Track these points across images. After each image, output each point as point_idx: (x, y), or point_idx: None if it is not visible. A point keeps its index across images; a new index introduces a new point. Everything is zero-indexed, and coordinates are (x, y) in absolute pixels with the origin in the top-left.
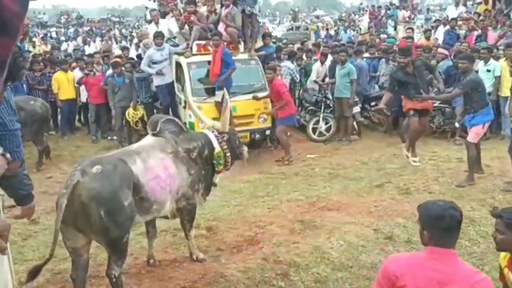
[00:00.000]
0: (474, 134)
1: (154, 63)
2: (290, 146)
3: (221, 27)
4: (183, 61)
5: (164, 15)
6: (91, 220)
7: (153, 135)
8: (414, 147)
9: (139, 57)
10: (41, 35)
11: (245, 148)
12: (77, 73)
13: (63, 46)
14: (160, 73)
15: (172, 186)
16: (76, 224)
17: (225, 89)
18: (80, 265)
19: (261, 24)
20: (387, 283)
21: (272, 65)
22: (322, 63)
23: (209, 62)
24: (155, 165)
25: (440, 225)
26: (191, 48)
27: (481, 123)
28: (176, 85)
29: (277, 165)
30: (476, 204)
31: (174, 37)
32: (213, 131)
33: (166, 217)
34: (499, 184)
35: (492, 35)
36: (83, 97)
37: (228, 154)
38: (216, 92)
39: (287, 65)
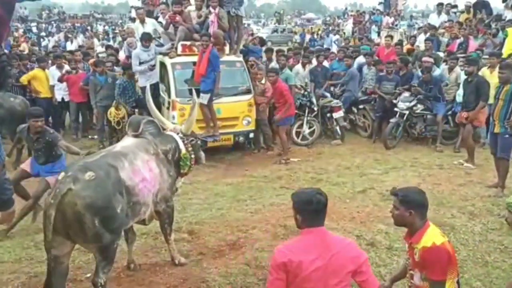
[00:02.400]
0: None
1: (141, 63)
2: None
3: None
4: (168, 61)
5: (149, 13)
6: (85, 228)
7: (135, 136)
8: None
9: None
10: (21, 30)
11: (203, 154)
12: (53, 71)
13: (44, 42)
14: (152, 68)
15: (155, 189)
16: (66, 233)
17: (193, 91)
18: (59, 272)
19: (245, 26)
20: (280, 272)
21: (274, 68)
22: (304, 66)
23: (194, 63)
24: (142, 167)
25: (310, 208)
26: (176, 49)
27: None
28: (160, 85)
29: (275, 163)
30: (456, 212)
31: (159, 37)
32: (178, 133)
33: (143, 222)
34: (479, 191)
35: (473, 44)
36: (59, 96)
37: (193, 156)
38: (201, 94)
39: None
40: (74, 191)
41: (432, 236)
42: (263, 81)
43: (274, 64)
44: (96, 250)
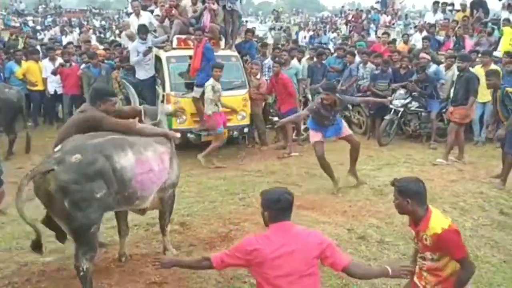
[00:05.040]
0: None
1: (145, 55)
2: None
3: (206, 20)
4: (163, 55)
5: (145, 7)
6: (56, 207)
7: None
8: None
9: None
10: (17, 23)
11: None
12: (45, 63)
13: (40, 36)
14: (146, 53)
15: (161, 181)
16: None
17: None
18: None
19: (244, 23)
20: (239, 256)
21: (279, 60)
22: (299, 60)
23: (189, 57)
24: (151, 157)
25: (277, 206)
26: (171, 42)
27: None
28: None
29: (279, 156)
30: (448, 207)
31: (155, 30)
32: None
33: (140, 212)
34: (470, 188)
35: (469, 43)
36: (51, 89)
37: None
38: (195, 88)
39: (270, 64)
40: (55, 172)
41: (438, 222)
42: (258, 76)
43: (268, 61)
44: (70, 231)
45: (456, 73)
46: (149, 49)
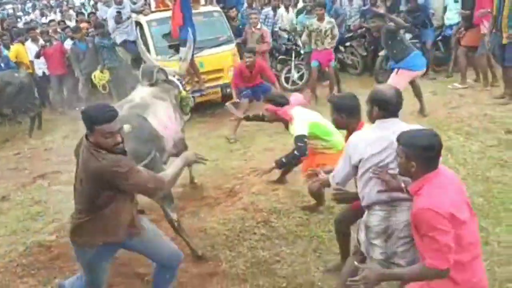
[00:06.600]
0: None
1: (117, 23)
2: None
3: None
4: (143, 19)
5: None
6: None
7: (150, 85)
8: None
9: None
10: None
11: None
12: (29, 45)
13: (21, 22)
14: (119, 21)
15: (175, 135)
16: None
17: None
18: None
19: None
20: (448, 224)
21: (251, 48)
22: (287, 8)
23: (170, 17)
24: (163, 115)
25: (431, 154)
26: (149, 5)
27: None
28: (140, 47)
29: None
30: (452, 133)
31: None
32: (174, 75)
33: None
34: (474, 111)
35: None
36: (39, 71)
37: (192, 96)
38: (181, 49)
39: (268, 14)
40: None
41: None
42: (258, 26)
43: (268, 9)
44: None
45: None
46: (119, 15)
